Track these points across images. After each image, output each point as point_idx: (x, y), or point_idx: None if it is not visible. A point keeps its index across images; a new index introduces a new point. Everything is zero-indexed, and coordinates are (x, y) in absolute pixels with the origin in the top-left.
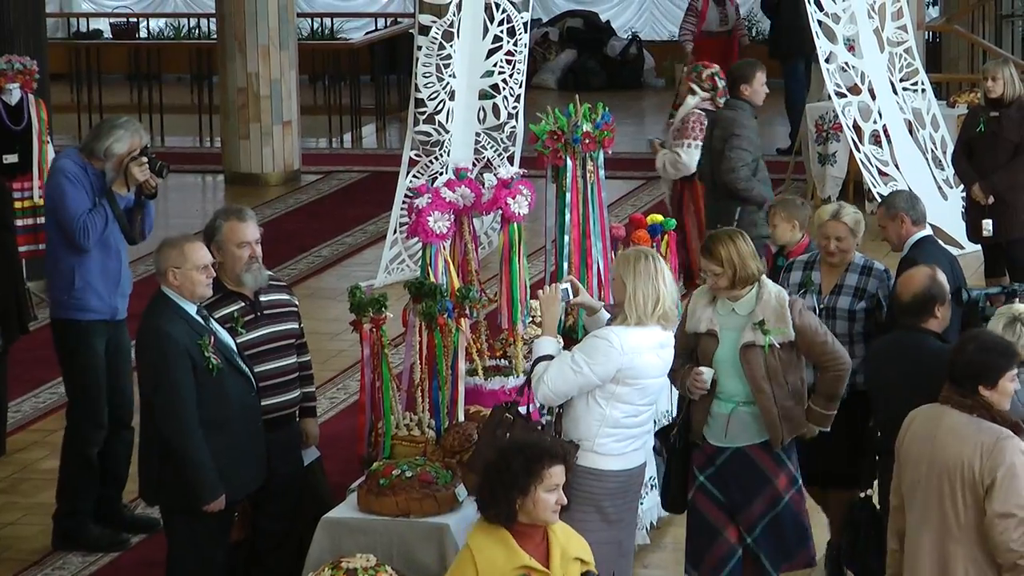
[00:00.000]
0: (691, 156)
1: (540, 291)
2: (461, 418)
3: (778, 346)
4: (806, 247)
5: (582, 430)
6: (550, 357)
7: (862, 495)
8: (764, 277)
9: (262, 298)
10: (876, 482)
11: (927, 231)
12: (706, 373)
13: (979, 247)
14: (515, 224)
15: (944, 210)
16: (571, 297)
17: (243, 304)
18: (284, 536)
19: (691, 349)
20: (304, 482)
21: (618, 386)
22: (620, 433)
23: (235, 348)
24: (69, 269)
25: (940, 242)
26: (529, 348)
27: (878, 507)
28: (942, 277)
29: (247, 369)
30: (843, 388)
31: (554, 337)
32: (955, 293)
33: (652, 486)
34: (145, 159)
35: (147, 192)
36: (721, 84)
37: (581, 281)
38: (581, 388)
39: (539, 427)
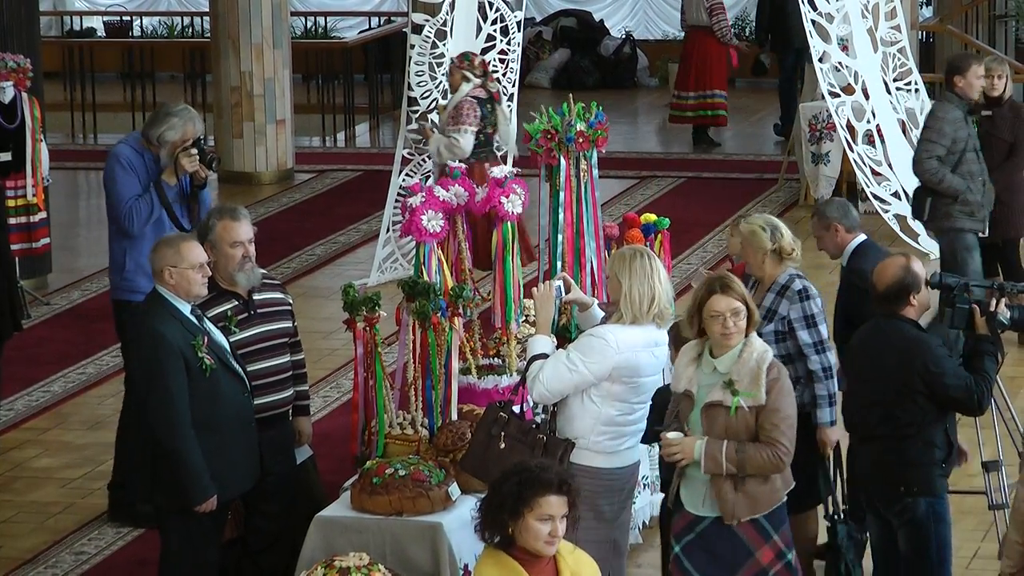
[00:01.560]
0: (467, 140)
1: (534, 289)
2: (454, 417)
3: (747, 409)
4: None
5: (577, 428)
6: (545, 356)
7: (834, 516)
8: (755, 339)
9: (255, 297)
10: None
11: (863, 236)
12: (672, 436)
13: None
14: (508, 223)
15: None
16: (563, 295)
17: (236, 303)
18: (277, 535)
19: (677, 410)
20: (297, 481)
21: (613, 384)
22: (615, 431)
23: (228, 348)
24: (121, 252)
25: (878, 245)
26: (522, 347)
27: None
28: (917, 266)
29: (240, 369)
30: (767, 472)
31: (548, 335)
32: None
33: (644, 485)
34: (195, 150)
35: (198, 183)
36: (491, 70)
37: (575, 280)
38: (577, 387)
39: (533, 426)
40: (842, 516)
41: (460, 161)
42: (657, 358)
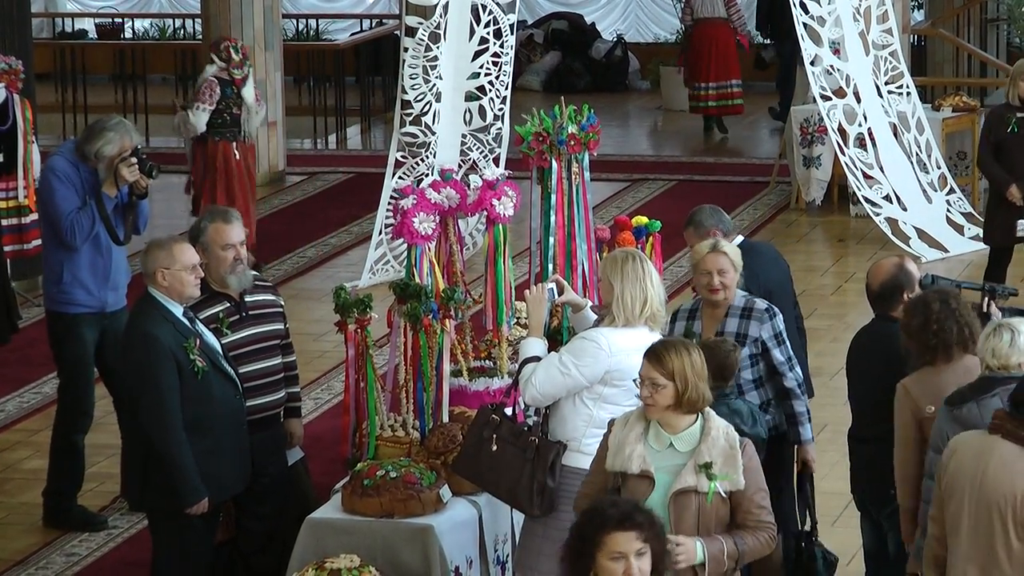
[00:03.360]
0: (199, 118)
1: (526, 291)
2: (446, 419)
3: (723, 495)
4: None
5: (569, 430)
6: (537, 358)
7: (811, 536)
8: (712, 414)
9: (247, 299)
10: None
11: (740, 237)
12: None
13: (964, 250)
14: (500, 225)
15: (929, 213)
16: (556, 297)
17: (228, 304)
18: (269, 537)
19: (615, 491)
20: (288, 482)
21: (605, 387)
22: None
23: (220, 350)
24: (58, 264)
25: (758, 243)
26: (514, 349)
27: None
28: (911, 266)
29: (232, 371)
30: (762, 555)
31: (541, 338)
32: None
33: None
34: (135, 160)
35: (137, 192)
36: (236, 56)
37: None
38: (569, 390)
39: (525, 428)
40: (816, 536)
41: (197, 137)
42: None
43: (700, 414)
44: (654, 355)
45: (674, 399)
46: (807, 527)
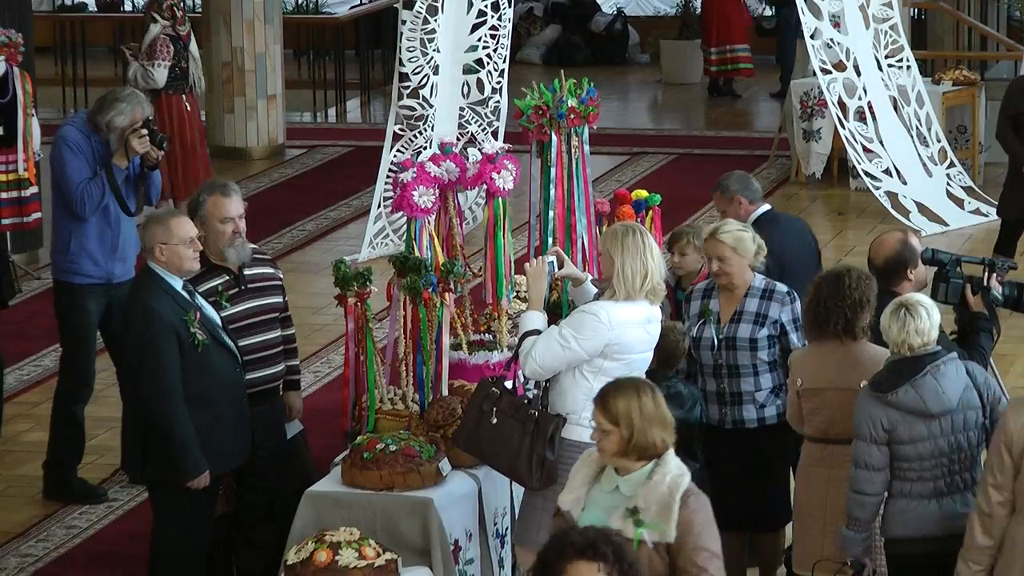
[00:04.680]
0: (160, 74)
1: (526, 265)
2: (445, 392)
3: (650, 546)
4: (706, 277)
5: (568, 403)
6: (537, 332)
7: None
8: (669, 454)
9: (246, 272)
10: None
11: (766, 206)
12: None
13: (964, 223)
14: (500, 199)
15: (929, 187)
16: (556, 270)
17: (227, 278)
18: (269, 510)
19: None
20: (287, 455)
21: (605, 360)
22: None
23: (220, 323)
24: (67, 234)
25: (781, 214)
26: (514, 323)
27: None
28: (914, 241)
29: (232, 344)
30: None
31: (541, 311)
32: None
33: None
34: (145, 131)
35: (148, 163)
36: (179, 13)
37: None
38: (569, 363)
39: (525, 401)
40: None
41: (154, 91)
42: (649, 334)
43: (657, 460)
44: (600, 399)
45: (621, 446)
46: None
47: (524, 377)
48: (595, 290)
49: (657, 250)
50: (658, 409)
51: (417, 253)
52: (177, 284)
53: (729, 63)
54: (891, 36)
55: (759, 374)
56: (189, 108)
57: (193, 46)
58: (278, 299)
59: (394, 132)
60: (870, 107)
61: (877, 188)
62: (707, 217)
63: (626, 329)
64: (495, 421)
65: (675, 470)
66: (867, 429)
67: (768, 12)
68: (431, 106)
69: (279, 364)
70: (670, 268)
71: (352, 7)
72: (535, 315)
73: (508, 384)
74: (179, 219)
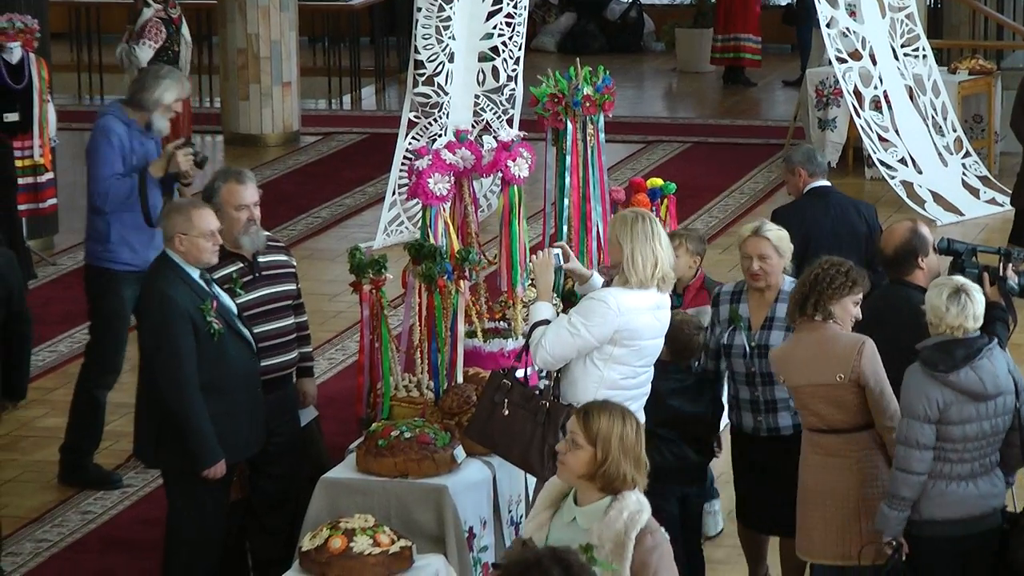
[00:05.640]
0: (144, 53)
1: (533, 257)
2: (460, 380)
3: None
4: (702, 281)
5: (580, 392)
6: (547, 322)
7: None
8: (631, 493)
9: (260, 259)
10: None
11: (824, 182)
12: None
13: (979, 213)
14: (515, 187)
15: (944, 176)
16: (562, 262)
17: (241, 265)
18: (283, 497)
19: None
20: (302, 442)
21: (615, 348)
22: (618, 395)
23: (236, 311)
24: (105, 223)
25: (838, 191)
26: (528, 310)
27: None
28: (924, 230)
29: (247, 332)
30: None
31: (549, 301)
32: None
33: None
34: (191, 149)
35: (185, 180)
36: None
37: (581, 244)
38: (579, 351)
39: (536, 392)
40: None
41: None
42: (659, 321)
43: (617, 495)
44: (584, 410)
45: (589, 468)
46: None
47: (536, 367)
48: (602, 282)
49: (666, 238)
50: (638, 444)
51: (432, 240)
52: (194, 272)
53: (732, 51)
54: (907, 25)
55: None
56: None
57: (185, 29)
58: (292, 287)
59: (409, 119)
60: (886, 96)
61: (892, 177)
62: (722, 206)
63: (635, 315)
64: (507, 412)
65: (633, 506)
66: (922, 408)
67: (783, 0)
68: (446, 94)
69: (292, 351)
70: None
71: None
72: (544, 306)
73: (520, 373)
74: (201, 211)
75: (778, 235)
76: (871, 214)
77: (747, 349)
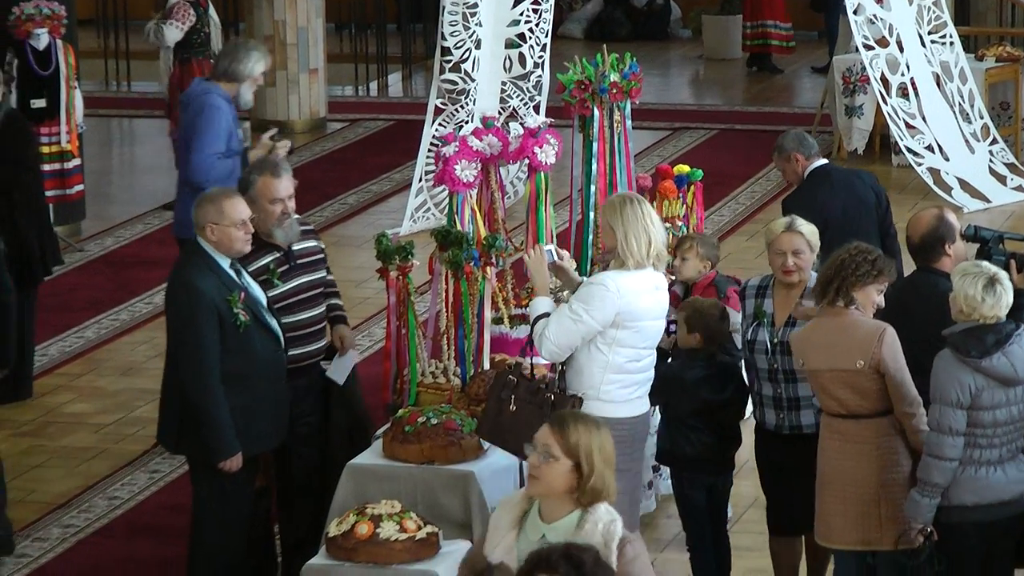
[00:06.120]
0: (171, 33)
1: (525, 256)
2: (486, 366)
3: None
4: (711, 279)
5: (586, 380)
6: (547, 315)
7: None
8: (604, 505)
9: (294, 248)
10: None
11: (822, 161)
12: None
13: (1006, 200)
14: (542, 173)
15: (971, 164)
16: (556, 259)
17: (278, 255)
18: (307, 481)
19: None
20: (339, 393)
21: (618, 330)
22: (625, 379)
23: (264, 302)
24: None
25: (837, 167)
26: (555, 296)
27: None
28: (950, 217)
29: (275, 324)
30: None
31: (547, 296)
32: (972, 236)
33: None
34: (288, 142)
35: None
36: None
37: (665, 248)
38: (584, 337)
39: (542, 385)
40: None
41: (181, 59)
42: (659, 302)
43: (585, 509)
44: (558, 421)
45: (568, 483)
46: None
47: (544, 359)
48: (546, 307)
49: (656, 217)
50: (613, 453)
51: (459, 227)
52: (224, 262)
53: (760, 38)
54: (934, 12)
55: (799, 380)
56: None
57: (212, 11)
58: (324, 273)
59: (436, 106)
60: (913, 83)
61: (919, 164)
62: (748, 192)
63: (635, 296)
64: (514, 409)
65: (606, 517)
66: (955, 394)
67: None
68: (473, 80)
69: (322, 340)
70: (671, 272)
71: None
72: (542, 300)
73: (529, 360)
74: (233, 200)
75: (811, 229)
76: (873, 180)
77: (769, 346)
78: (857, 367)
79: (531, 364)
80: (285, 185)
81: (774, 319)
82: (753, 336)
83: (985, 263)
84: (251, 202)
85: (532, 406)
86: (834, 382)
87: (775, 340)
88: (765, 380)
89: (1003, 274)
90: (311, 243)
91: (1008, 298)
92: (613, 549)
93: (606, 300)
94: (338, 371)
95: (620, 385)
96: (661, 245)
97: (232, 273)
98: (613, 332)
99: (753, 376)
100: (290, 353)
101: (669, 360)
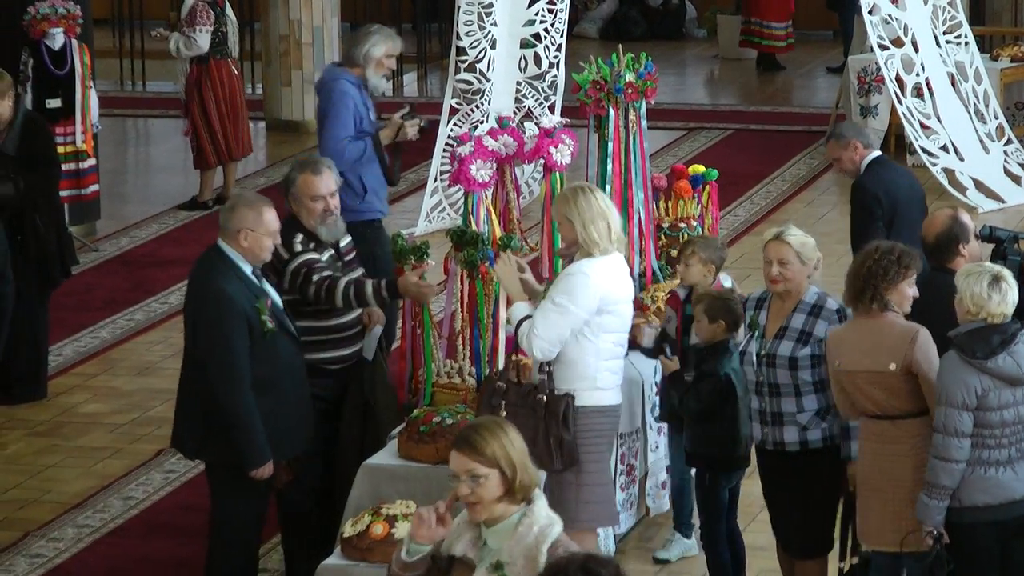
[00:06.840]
0: (203, 39)
1: (493, 267)
2: (501, 366)
3: None
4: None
5: (580, 372)
6: (528, 317)
7: (843, 567)
8: (540, 507)
9: (341, 244)
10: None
11: (879, 152)
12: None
13: (1021, 200)
14: (557, 173)
15: (986, 164)
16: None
17: (332, 252)
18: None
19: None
20: (369, 369)
21: (602, 316)
22: (613, 365)
23: (282, 306)
24: (357, 179)
25: (892, 161)
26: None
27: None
28: (965, 217)
29: (293, 328)
30: None
31: (524, 300)
32: (987, 236)
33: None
34: (417, 120)
35: (403, 141)
36: None
37: (623, 231)
38: (572, 328)
39: (532, 387)
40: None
41: (199, 59)
42: (629, 284)
43: (526, 502)
44: (466, 442)
45: (501, 489)
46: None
47: (536, 359)
48: (526, 310)
49: (610, 202)
50: (522, 442)
51: (474, 227)
52: (247, 268)
53: (755, 36)
54: (949, 12)
55: (802, 395)
56: (236, 72)
57: (229, 10)
58: (362, 269)
59: (451, 106)
60: (928, 83)
61: (934, 165)
62: (763, 192)
63: (611, 280)
64: (504, 414)
65: (543, 519)
66: (962, 396)
67: None
68: (488, 80)
69: (358, 343)
70: (675, 276)
71: None
72: (520, 305)
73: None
74: (270, 208)
75: (801, 241)
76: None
77: (755, 358)
78: (890, 370)
79: (517, 365)
80: (326, 182)
81: (765, 331)
82: (745, 347)
83: (987, 263)
84: (293, 200)
85: (525, 410)
86: (870, 383)
87: (763, 352)
88: (753, 393)
89: (1007, 272)
90: (348, 238)
91: (1014, 295)
92: (543, 551)
93: (588, 287)
94: (367, 347)
95: (611, 371)
96: (619, 228)
97: (255, 279)
98: (598, 319)
99: (744, 388)
100: (337, 353)
101: (686, 376)
